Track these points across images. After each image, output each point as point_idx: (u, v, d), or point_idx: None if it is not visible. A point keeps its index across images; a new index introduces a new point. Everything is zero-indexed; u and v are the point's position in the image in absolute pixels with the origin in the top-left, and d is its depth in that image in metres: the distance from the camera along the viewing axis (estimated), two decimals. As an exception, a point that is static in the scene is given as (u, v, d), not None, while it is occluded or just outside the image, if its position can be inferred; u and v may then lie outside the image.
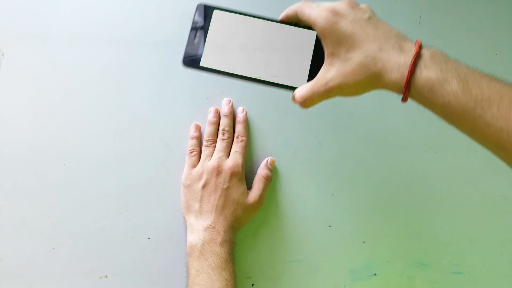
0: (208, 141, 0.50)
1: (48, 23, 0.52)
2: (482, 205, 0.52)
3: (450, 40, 0.54)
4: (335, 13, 0.36)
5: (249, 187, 0.49)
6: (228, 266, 0.44)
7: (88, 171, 0.50)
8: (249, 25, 0.40)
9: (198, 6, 0.40)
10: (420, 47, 0.33)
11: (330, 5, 0.36)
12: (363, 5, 0.37)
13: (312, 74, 0.38)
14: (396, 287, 0.50)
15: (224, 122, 0.50)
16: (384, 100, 0.52)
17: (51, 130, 0.50)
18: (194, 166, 0.49)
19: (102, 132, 0.51)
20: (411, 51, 0.33)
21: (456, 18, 0.54)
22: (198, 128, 0.51)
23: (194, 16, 0.40)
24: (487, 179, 0.52)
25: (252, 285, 0.50)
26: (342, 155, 0.52)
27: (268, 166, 0.50)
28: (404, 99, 0.33)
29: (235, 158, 0.48)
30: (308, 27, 0.39)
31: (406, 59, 0.33)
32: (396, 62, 0.33)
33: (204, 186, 0.47)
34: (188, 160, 0.50)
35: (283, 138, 0.52)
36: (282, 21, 0.40)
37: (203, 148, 0.50)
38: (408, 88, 0.33)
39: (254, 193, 0.48)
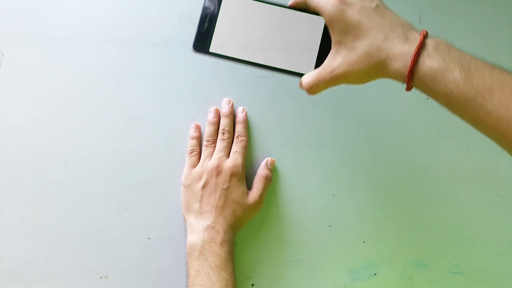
0: (208, 141, 0.50)
1: (48, 23, 0.52)
2: (482, 205, 0.52)
3: (450, 40, 0.54)
4: (343, 1, 0.36)
5: (249, 187, 0.49)
6: (228, 266, 0.44)
7: (88, 171, 0.50)
8: (259, 11, 0.40)
9: None
10: (425, 37, 0.34)
11: None
12: None
13: (319, 61, 0.39)
14: (396, 287, 0.50)
15: (224, 122, 0.50)
16: (384, 101, 0.52)
17: (51, 130, 0.50)
18: (194, 166, 0.49)
19: (102, 132, 0.51)
20: (416, 41, 0.34)
21: (456, 18, 0.54)
22: (198, 128, 0.51)
23: (205, 1, 0.40)
24: (487, 179, 0.52)
25: (252, 285, 0.50)
26: (342, 155, 0.52)
27: (268, 166, 0.50)
28: (408, 88, 0.34)
29: (235, 158, 0.48)
30: (317, 13, 0.39)
31: (410, 49, 0.33)
32: (400, 52, 0.34)
33: (204, 186, 0.47)
34: (188, 160, 0.50)
35: (283, 138, 0.52)
36: (292, 7, 0.40)
37: (203, 148, 0.50)
38: (411, 77, 0.33)
39: (254, 193, 0.48)
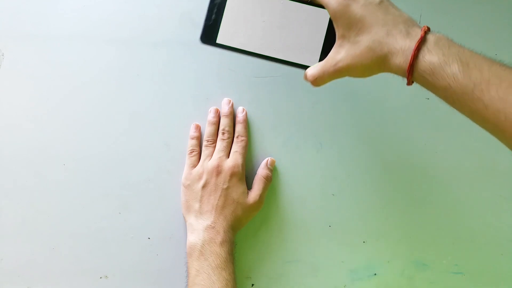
0: (208, 141, 0.50)
1: (48, 23, 0.52)
2: (482, 205, 0.52)
3: (450, 40, 0.54)
4: None
5: (249, 187, 0.49)
6: (228, 266, 0.44)
7: (88, 171, 0.50)
8: (265, 3, 0.40)
9: None
10: (426, 32, 0.34)
11: None
12: None
13: (324, 53, 0.40)
14: (396, 287, 0.50)
15: (224, 122, 0.50)
16: (384, 101, 0.52)
17: (51, 130, 0.50)
18: (194, 166, 0.49)
19: (102, 132, 0.51)
20: (417, 36, 0.34)
21: (456, 18, 0.54)
22: (198, 128, 0.51)
23: None
24: (487, 179, 0.52)
25: (252, 285, 0.50)
26: (342, 155, 0.52)
27: (268, 166, 0.50)
28: (408, 83, 0.35)
29: (235, 158, 0.48)
30: (322, 6, 0.40)
31: (410, 44, 0.34)
32: (402, 47, 0.34)
33: (204, 186, 0.47)
34: (188, 160, 0.50)
35: (283, 138, 0.52)
36: (298, 0, 0.41)
37: (203, 148, 0.50)
38: (411, 72, 0.34)
39: (254, 193, 0.48)
